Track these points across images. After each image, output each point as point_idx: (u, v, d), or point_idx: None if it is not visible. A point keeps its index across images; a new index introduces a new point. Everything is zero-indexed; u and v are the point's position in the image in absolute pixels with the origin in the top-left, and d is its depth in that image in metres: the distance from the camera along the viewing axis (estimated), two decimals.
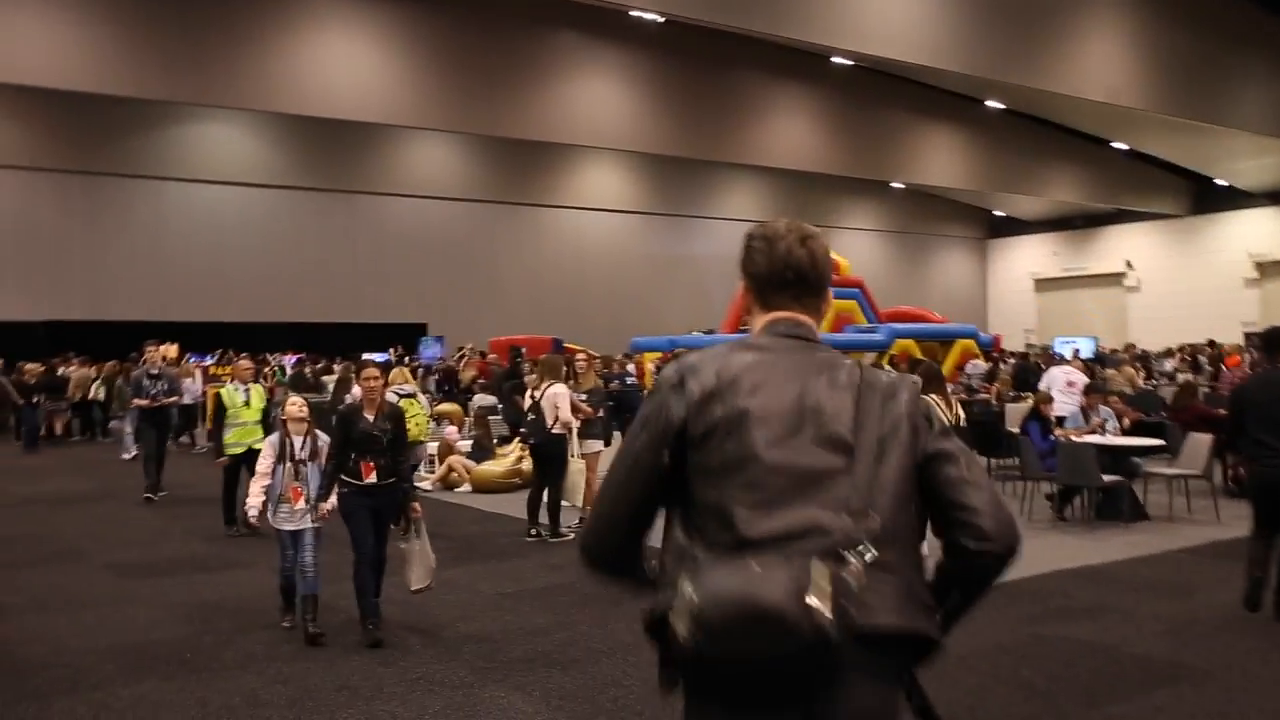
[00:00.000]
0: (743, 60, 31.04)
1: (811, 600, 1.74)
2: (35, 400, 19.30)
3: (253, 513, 6.49)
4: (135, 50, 25.01)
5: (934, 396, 9.69)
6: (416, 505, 6.64)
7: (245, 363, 11.03)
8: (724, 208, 41.81)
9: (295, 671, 5.83)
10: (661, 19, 29.24)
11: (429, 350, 28.42)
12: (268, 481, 6.47)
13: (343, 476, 6.36)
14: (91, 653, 6.20)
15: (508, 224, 37.84)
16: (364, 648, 6.19)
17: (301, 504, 6.42)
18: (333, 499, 6.39)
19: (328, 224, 34.88)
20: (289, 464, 6.46)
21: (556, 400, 9.54)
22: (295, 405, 6.67)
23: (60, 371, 20.87)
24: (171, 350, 24.03)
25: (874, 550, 1.86)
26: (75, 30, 24.31)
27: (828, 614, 1.74)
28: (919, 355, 18.67)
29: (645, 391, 20.09)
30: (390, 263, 35.55)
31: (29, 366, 20.99)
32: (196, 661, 6.04)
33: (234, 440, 9.97)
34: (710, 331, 26.75)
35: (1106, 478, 9.86)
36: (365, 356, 22.70)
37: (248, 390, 10.27)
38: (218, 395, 10.36)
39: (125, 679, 5.71)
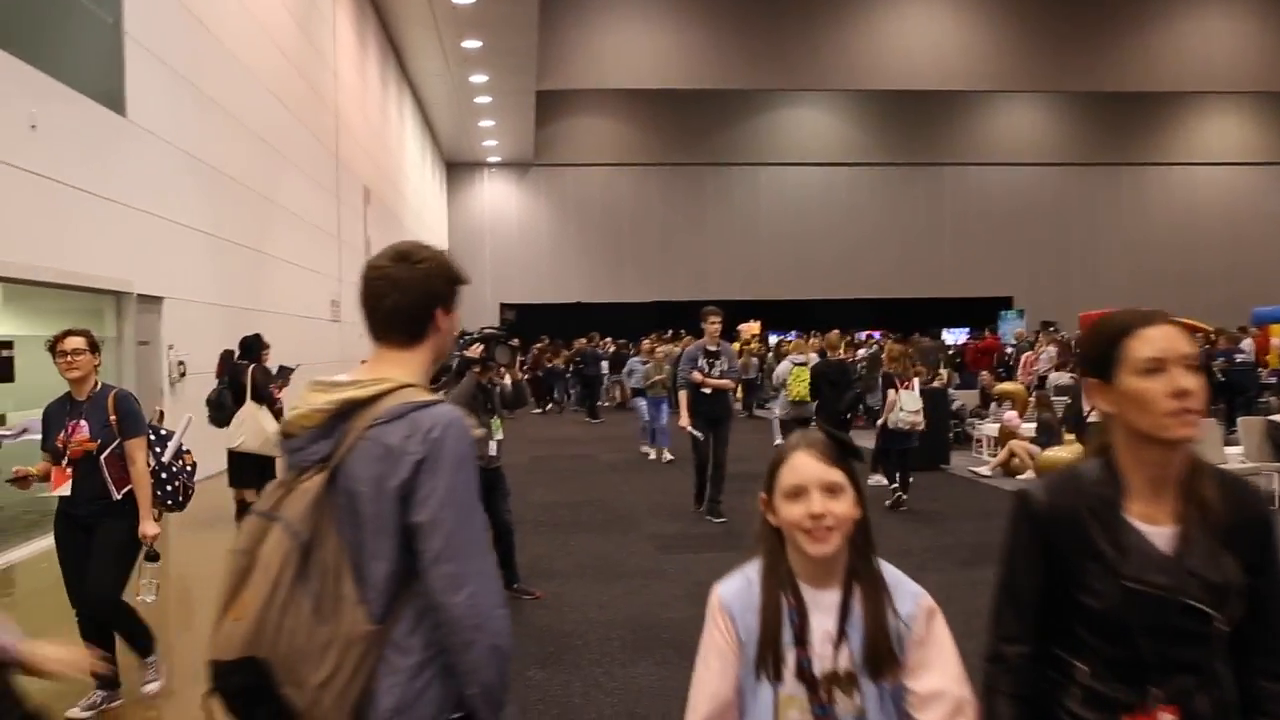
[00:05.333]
0: None
1: None
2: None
3: None
4: (724, 47, 26.60)
5: None
6: None
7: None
8: None
9: None
10: None
11: (1005, 326, 26.93)
12: None
13: None
14: (607, 625, 6.37)
15: (1103, 187, 34.65)
16: None
17: None
18: None
19: (909, 197, 34.52)
20: None
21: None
22: None
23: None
24: (754, 328, 25.27)
25: None
26: (672, 36, 26.45)
27: None
28: None
29: (1261, 370, 17.09)
30: (974, 234, 34.36)
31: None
32: (693, 646, 5.94)
33: None
34: None
35: None
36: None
37: None
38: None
39: (625, 658, 5.76)
